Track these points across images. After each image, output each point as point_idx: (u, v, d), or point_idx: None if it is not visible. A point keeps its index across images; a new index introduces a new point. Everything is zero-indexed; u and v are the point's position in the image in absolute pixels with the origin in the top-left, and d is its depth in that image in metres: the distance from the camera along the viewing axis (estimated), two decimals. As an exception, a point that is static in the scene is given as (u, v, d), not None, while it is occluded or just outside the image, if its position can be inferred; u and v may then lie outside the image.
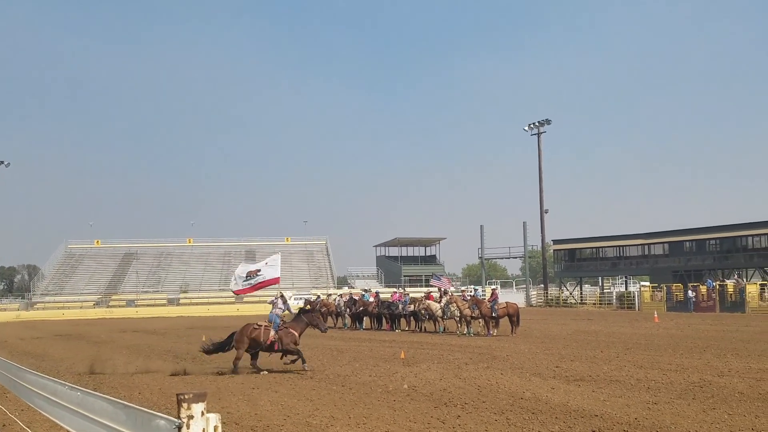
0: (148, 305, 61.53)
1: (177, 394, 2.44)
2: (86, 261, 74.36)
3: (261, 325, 14.70)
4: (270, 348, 14.60)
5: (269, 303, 16.60)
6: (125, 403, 2.79)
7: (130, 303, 62.37)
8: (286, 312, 15.73)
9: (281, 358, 14.82)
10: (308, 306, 18.29)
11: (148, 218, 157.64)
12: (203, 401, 2.49)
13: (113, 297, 65.26)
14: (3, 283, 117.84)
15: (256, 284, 16.35)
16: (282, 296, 16.15)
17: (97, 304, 63.10)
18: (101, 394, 3.08)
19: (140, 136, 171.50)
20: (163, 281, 70.56)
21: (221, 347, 14.93)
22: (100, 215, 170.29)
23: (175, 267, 73.94)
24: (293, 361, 14.44)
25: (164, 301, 63.88)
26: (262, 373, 14.12)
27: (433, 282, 33.56)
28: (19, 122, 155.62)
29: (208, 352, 15.15)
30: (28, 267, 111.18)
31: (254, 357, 14.80)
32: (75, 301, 62.97)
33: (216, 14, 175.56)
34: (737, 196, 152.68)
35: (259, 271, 16.53)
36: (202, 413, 2.47)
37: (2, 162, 63.65)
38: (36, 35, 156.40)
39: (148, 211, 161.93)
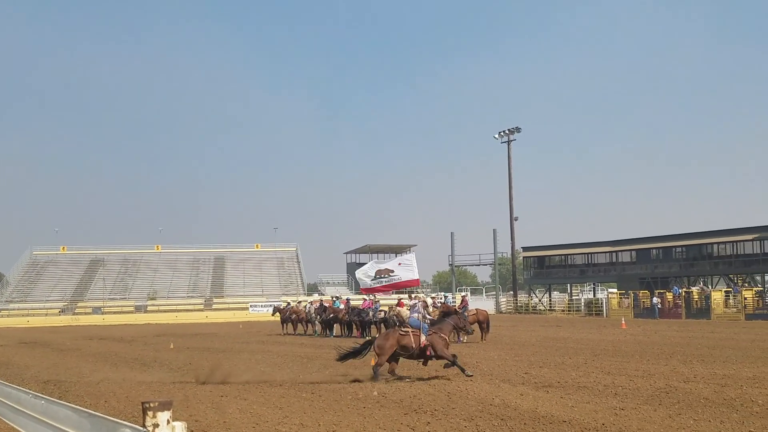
0: (115, 312, 60.68)
1: (142, 402, 2.39)
2: (52, 267, 72.95)
3: (408, 331, 14.12)
4: (422, 354, 13.95)
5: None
6: (90, 411, 2.74)
7: (97, 310, 61.35)
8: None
9: (424, 363, 14.29)
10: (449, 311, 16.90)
11: (115, 224, 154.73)
12: (169, 409, 2.44)
13: (79, 304, 64.13)
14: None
15: (389, 284, 15.70)
16: (423, 301, 15.35)
17: (62, 311, 62.00)
18: (66, 403, 3.03)
19: (107, 142, 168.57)
20: (130, 288, 69.54)
21: (356, 353, 14.19)
22: (66, 221, 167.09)
23: (142, 274, 72.97)
24: (447, 366, 13.75)
25: (132, 309, 63.00)
26: (404, 380, 13.54)
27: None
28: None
29: (342, 358, 14.32)
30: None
31: (394, 361, 14.17)
32: (40, 309, 61.88)
33: (196, 18, 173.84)
34: (703, 204, 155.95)
35: (392, 271, 15.90)
36: (168, 421, 2.42)
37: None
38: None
39: (115, 217, 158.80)
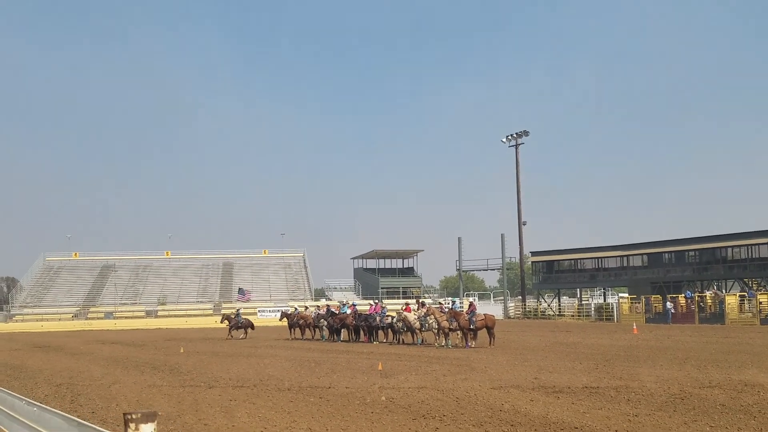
0: (126, 317, 60.87)
1: (124, 414, 2.27)
2: (64, 273, 73.47)
3: None
4: None
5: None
6: (79, 420, 2.66)
7: (109, 315, 61.63)
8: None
9: None
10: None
11: (125, 231, 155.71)
12: (153, 421, 2.30)
13: (91, 309, 64.50)
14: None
15: None
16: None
17: (75, 316, 62.34)
18: (57, 411, 2.98)
19: (117, 150, 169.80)
20: (141, 293, 69.83)
21: None
22: (78, 228, 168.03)
23: (153, 279, 73.31)
24: None
25: (142, 314, 63.23)
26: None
27: (238, 297, 35.08)
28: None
29: None
30: (7, 279, 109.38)
31: None
32: (53, 313, 62.35)
33: (179, 23, 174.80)
34: (716, 208, 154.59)
35: None
36: None
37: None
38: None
39: (125, 224, 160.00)
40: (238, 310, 38.17)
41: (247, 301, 63.01)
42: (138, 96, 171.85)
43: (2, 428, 3.90)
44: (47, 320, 58.76)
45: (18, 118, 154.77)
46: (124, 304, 66.34)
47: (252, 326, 35.50)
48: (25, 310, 63.70)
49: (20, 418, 3.54)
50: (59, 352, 27.25)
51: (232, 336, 34.39)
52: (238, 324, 34.80)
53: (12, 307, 65.50)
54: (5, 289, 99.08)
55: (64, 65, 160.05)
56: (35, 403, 3.34)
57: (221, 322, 36.09)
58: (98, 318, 60.84)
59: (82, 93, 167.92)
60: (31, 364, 21.00)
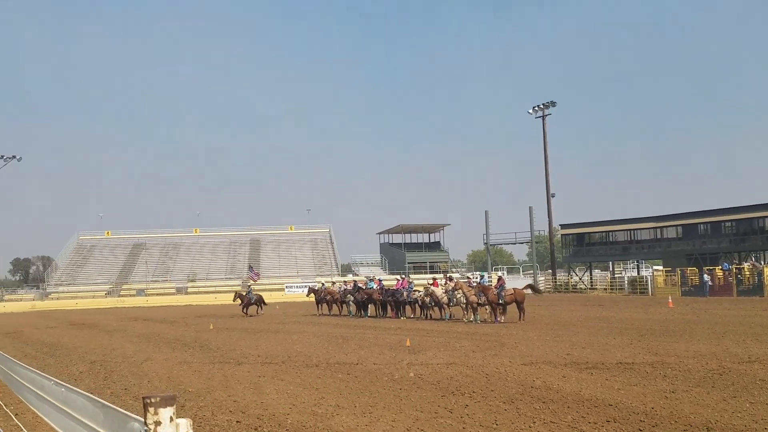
0: (157, 294, 61.95)
1: (143, 398, 2.14)
2: (97, 251, 74.92)
3: None
4: None
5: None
6: (104, 402, 2.56)
7: (140, 292, 62.80)
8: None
9: None
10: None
11: (155, 209, 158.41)
12: (172, 405, 2.17)
13: (124, 286, 65.76)
14: (19, 274, 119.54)
15: None
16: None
17: (108, 293, 63.60)
18: (83, 392, 2.90)
19: (148, 130, 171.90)
20: (171, 271, 70.91)
21: None
22: (110, 207, 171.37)
23: (182, 257, 74.37)
24: None
25: (173, 290, 64.29)
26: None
27: (248, 275, 35.58)
28: (29, 118, 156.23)
29: None
30: (42, 258, 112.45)
31: None
32: (87, 291, 63.74)
33: (217, 11, 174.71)
34: (753, 177, 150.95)
35: None
36: (171, 418, 2.16)
37: (15, 157, 63.81)
38: (42, 33, 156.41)
39: (155, 202, 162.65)
40: (249, 286, 38.59)
41: (257, 280, 63.11)
42: (167, 79, 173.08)
43: (32, 408, 3.87)
44: (81, 298, 60.11)
45: (50, 102, 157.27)
46: (155, 281, 67.48)
47: (263, 301, 35.86)
48: (60, 288, 65.24)
49: (49, 398, 3.52)
50: (93, 329, 27.79)
51: (247, 313, 34.59)
52: (251, 301, 34.99)
53: (47, 285, 67.11)
54: (41, 268, 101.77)
55: (86, 49, 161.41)
56: (63, 383, 3.28)
57: (234, 300, 36.42)
58: (130, 295, 62.05)
59: (110, 76, 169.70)
60: (66, 342, 21.43)
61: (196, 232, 78.31)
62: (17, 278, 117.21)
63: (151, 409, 2.18)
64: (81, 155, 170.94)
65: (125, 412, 2.39)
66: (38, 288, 70.06)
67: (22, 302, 60.27)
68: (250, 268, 68.03)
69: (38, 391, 4.06)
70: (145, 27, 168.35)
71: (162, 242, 77.28)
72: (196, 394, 10.13)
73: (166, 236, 78.09)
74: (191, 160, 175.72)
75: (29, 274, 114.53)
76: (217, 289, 63.17)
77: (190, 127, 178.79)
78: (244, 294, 35.83)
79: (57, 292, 63.76)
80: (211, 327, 25.81)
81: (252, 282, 58.77)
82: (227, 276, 69.06)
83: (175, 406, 2.18)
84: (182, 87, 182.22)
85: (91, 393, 3.05)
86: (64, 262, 72.29)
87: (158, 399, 2.18)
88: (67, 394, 3.29)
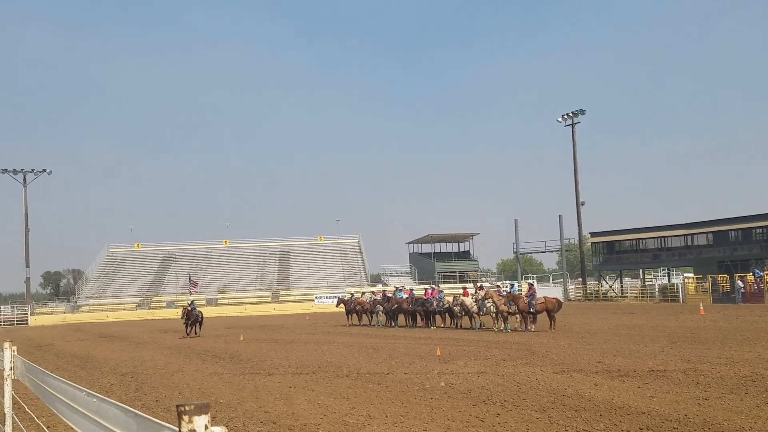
0: (187, 306, 62.23)
1: (177, 405, 2.20)
2: (127, 264, 75.93)
3: None
4: None
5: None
6: (136, 412, 2.64)
7: (171, 304, 63.34)
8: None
9: None
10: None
11: (185, 221, 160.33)
12: (207, 413, 2.21)
13: (154, 298, 66.45)
14: (49, 288, 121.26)
15: None
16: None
17: (138, 305, 64.30)
18: (115, 402, 3.00)
19: (177, 143, 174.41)
20: (201, 282, 71.57)
21: None
22: (140, 219, 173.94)
23: (212, 268, 75.01)
24: None
25: (203, 302, 64.65)
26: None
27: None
28: (60, 132, 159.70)
29: None
30: (73, 271, 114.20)
31: None
32: (118, 304, 64.39)
33: (240, 20, 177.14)
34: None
35: None
36: (206, 426, 2.20)
37: (45, 170, 65.32)
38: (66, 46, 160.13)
39: (185, 214, 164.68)
40: (192, 302, 31.78)
41: (195, 291, 59.45)
42: (196, 90, 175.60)
43: (64, 419, 3.97)
44: (112, 310, 60.77)
45: (77, 116, 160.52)
46: (185, 293, 68.11)
47: (200, 321, 30.32)
48: (91, 301, 66.08)
49: (81, 409, 3.59)
50: (124, 341, 28.12)
51: (189, 333, 29.71)
52: (197, 319, 29.95)
53: (78, 298, 68.04)
54: (71, 281, 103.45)
55: (117, 61, 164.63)
56: (95, 394, 3.37)
57: (182, 317, 30.47)
58: (160, 307, 62.66)
59: (138, 89, 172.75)
60: (98, 354, 21.68)
61: (225, 243, 79.03)
62: (48, 291, 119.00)
63: (186, 417, 2.18)
64: (111, 168, 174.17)
65: (159, 421, 2.46)
66: (69, 301, 70.96)
67: (53, 315, 60.75)
68: (189, 278, 64.55)
69: (70, 402, 4.15)
70: (177, 52, 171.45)
71: (192, 254, 78.05)
72: (227, 405, 10.26)
73: (196, 248, 78.92)
74: (220, 171, 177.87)
75: (60, 287, 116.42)
76: (247, 300, 63.60)
77: (220, 140, 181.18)
78: (190, 310, 30.10)
79: (87, 305, 64.54)
80: (242, 338, 26.03)
81: (191, 293, 55.50)
82: (257, 287, 69.54)
83: (209, 414, 2.22)
84: (212, 101, 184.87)
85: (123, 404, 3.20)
86: (95, 274, 73.31)
87: (192, 407, 2.18)
88: (99, 404, 3.34)
